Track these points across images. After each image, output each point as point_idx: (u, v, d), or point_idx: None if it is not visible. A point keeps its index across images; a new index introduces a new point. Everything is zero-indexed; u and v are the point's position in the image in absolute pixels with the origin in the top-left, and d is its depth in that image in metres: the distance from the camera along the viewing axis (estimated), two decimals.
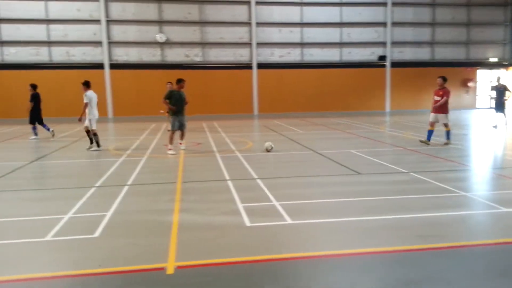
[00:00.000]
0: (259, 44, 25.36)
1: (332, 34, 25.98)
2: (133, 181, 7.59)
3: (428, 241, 4.56)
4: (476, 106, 28.01)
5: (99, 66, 23.85)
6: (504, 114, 15.83)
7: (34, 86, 14.35)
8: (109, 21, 23.79)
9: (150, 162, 9.56)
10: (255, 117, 24.08)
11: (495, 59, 27.77)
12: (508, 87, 15.80)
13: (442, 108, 11.34)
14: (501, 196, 6.42)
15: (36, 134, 14.07)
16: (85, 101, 11.16)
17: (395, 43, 26.59)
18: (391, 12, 26.11)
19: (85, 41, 23.71)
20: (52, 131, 14.27)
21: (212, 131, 16.17)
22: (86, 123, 11.26)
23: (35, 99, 14.20)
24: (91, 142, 11.42)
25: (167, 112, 11.36)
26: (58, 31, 23.50)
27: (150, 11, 24.18)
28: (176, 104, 10.71)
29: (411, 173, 7.93)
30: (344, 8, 25.81)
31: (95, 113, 11.32)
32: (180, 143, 11.11)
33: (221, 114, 24.56)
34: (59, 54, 23.67)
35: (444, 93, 11.39)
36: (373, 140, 12.87)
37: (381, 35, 26.42)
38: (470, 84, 27.50)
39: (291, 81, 25.82)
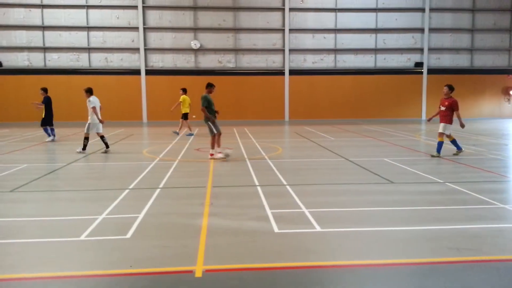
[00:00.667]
0: (292, 50, 25.35)
1: (367, 40, 25.61)
2: (165, 184, 7.75)
3: (463, 254, 4.39)
4: None
5: (136, 72, 24.57)
6: None
7: (45, 90, 14.99)
8: (146, 28, 24.51)
9: (182, 166, 9.72)
10: (286, 123, 24.03)
11: None
12: None
13: (446, 118, 10.69)
14: None
15: (49, 135, 14.71)
16: (91, 106, 11.52)
17: (432, 50, 25.89)
18: (429, 18, 25.47)
19: (123, 47, 24.51)
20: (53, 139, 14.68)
21: (243, 136, 16.27)
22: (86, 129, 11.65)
23: (48, 102, 14.78)
24: (107, 146, 11.88)
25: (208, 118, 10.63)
26: (97, 38, 24.42)
27: (185, 18, 24.72)
28: (212, 108, 10.53)
29: (447, 183, 7.67)
30: (380, 14, 25.41)
31: (95, 118, 11.64)
32: (220, 152, 10.56)
33: (253, 120, 24.70)
34: (98, 60, 24.57)
35: (450, 103, 10.65)
36: (408, 148, 12.55)
37: (418, 41, 25.80)
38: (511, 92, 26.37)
39: (324, 87, 25.63)
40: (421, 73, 25.93)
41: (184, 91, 16.91)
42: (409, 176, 8.44)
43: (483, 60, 26.25)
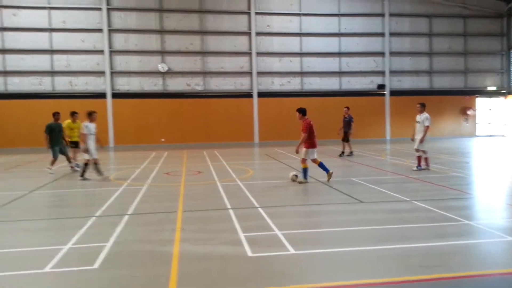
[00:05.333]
0: (260, 73, 25.72)
1: (331, 64, 26.40)
2: (134, 211, 7.53)
3: (433, 271, 4.47)
4: (476, 134, 28.10)
5: (101, 95, 24.13)
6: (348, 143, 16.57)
7: None
8: (112, 52, 24.24)
9: (151, 191, 9.50)
10: (256, 145, 24.13)
11: (493, 88, 28.09)
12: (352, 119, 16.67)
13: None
14: (506, 224, 6.33)
15: None
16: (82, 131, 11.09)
17: (393, 72, 26.96)
18: (389, 42, 26.62)
19: (88, 71, 24.08)
20: None
21: (213, 159, 16.16)
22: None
23: None
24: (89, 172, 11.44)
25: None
26: (61, 61, 23.89)
27: (152, 41, 24.67)
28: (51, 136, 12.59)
29: (414, 202, 7.86)
30: (343, 39, 26.32)
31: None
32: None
33: (222, 143, 24.64)
34: (62, 84, 23.98)
35: (304, 125, 10.40)
36: (374, 168, 12.84)
37: (379, 64, 26.83)
38: (469, 112, 27.69)
39: (292, 109, 25.84)
40: (384, 94, 26.88)
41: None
42: (377, 195, 8.60)
43: (441, 82, 27.57)
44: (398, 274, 4.41)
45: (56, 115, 12.97)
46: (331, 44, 26.27)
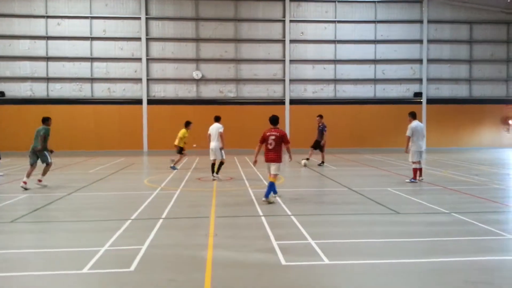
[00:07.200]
0: (292, 81, 25.66)
1: (366, 71, 25.99)
2: (168, 215, 7.63)
3: None
4: None
5: (138, 101, 24.76)
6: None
7: None
8: (149, 59, 24.88)
9: (184, 196, 9.62)
10: None
11: None
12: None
13: (278, 156, 8.82)
14: None
15: None
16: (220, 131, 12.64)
17: (431, 80, 26.23)
18: (427, 49, 25.96)
19: (126, 77, 24.80)
20: None
21: (244, 165, 16.20)
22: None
23: None
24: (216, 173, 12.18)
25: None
26: (101, 69, 24.73)
27: (188, 49, 25.14)
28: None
29: (453, 214, 7.56)
30: (378, 46, 25.89)
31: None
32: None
33: (254, 149, 24.65)
34: (101, 90, 24.79)
35: (281, 134, 8.91)
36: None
37: (416, 72, 26.18)
38: (511, 122, 26.51)
39: (324, 116, 25.71)
40: (421, 103, 26.17)
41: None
42: (414, 206, 8.34)
43: (481, 90, 26.56)
44: None
45: (48, 120, 11.68)
46: (366, 51, 25.89)
